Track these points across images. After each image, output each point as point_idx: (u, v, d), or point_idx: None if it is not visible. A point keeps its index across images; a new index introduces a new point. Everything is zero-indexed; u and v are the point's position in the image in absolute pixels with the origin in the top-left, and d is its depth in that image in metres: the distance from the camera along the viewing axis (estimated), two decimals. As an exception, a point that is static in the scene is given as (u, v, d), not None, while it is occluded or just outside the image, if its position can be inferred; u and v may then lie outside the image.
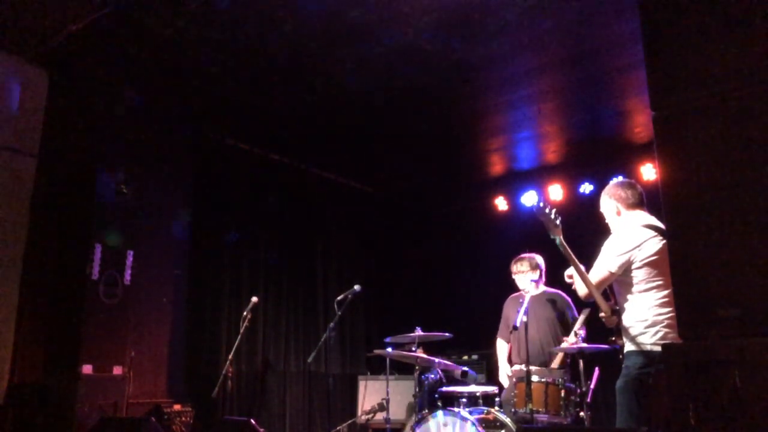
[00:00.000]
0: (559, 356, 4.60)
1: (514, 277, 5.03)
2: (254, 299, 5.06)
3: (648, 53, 1.96)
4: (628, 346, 3.20)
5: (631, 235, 3.23)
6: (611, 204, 3.45)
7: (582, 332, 4.40)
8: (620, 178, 3.73)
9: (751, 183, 1.70)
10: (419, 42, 4.98)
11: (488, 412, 4.54)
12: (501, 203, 7.99)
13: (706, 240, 1.75)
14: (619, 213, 3.41)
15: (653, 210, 3.29)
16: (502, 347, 5.17)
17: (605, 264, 3.25)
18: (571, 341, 4.36)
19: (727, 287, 1.69)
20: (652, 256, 3.15)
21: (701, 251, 1.76)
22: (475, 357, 6.86)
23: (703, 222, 1.77)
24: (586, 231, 3.65)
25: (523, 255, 5.03)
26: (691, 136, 1.82)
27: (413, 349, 4.86)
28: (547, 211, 3.35)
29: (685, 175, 1.82)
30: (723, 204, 1.74)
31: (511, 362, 5.00)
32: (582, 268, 3.34)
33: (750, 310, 1.64)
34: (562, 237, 3.37)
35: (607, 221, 3.53)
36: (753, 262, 1.66)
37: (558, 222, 3.37)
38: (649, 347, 3.08)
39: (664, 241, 3.14)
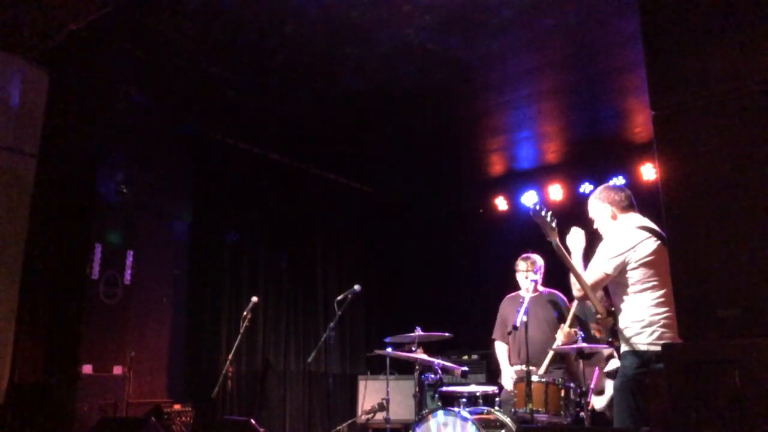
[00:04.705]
0: (551, 356, 4.57)
1: (518, 274, 4.93)
2: (254, 299, 5.06)
3: (648, 53, 1.95)
4: (624, 347, 3.22)
5: (625, 237, 3.25)
6: (606, 208, 3.45)
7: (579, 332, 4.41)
8: (609, 183, 3.73)
9: (751, 183, 1.70)
10: (419, 42, 4.98)
11: (488, 412, 4.53)
12: (501, 203, 7.98)
13: (706, 240, 1.75)
14: (615, 216, 3.42)
15: (652, 210, 3.29)
16: (501, 350, 5.07)
17: (600, 266, 3.26)
18: (565, 332, 4.39)
19: (727, 287, 1.69)
20: (648, 256, 3.16)
21: (701, 251, 1.76)
22: (475, 357, 6.87)
23: (703, 222, 1.77)
24: (586, 231, 3.64)
25: (530, 254, 4.94)
26: (691, 136, 1.82)
27: (413, 349, 4.86)
28: (543, 213, 3.36)
29: (685, 175, 1.82)
30: (723, 204, 1.74)
31: (510, 363, 4.99)
32: (578, 269, 3.35)
33: (750, 310, 1.64)
34: (558, 240, 3.38)
35: (596, 226, 3.52)
36: (753, 262, 1.66)
37: (554, 225, 3.37)
38: (645, 347, 3.09)
39: (659, 242, 3.17)
